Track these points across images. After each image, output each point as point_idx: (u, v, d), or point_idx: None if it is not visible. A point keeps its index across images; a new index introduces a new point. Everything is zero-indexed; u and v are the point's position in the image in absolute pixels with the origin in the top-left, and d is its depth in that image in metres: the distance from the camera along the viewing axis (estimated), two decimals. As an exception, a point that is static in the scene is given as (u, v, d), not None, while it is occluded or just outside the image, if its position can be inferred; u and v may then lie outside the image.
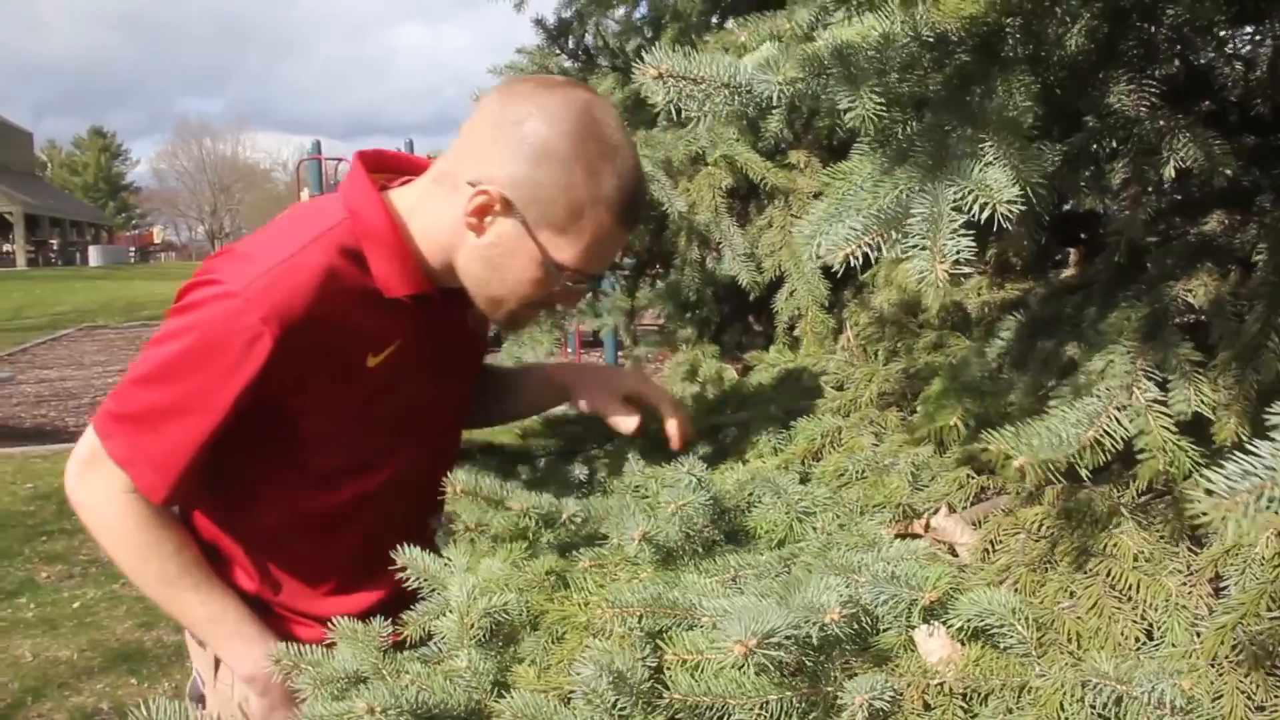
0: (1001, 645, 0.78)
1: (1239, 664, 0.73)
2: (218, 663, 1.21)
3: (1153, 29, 1.01)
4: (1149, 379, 0.84)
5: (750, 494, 1.10)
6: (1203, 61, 1.13)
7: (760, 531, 1.05)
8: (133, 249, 49.64)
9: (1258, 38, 1.16)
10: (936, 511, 1.03)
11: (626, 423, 1.25)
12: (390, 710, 0.77)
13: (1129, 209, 1.02)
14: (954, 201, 0.67)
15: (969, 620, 0.79)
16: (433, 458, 1.26)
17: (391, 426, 1.19)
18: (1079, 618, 0.82)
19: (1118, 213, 1.09)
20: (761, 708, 0.73)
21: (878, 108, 0.76)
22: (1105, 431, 0.78)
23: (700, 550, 0.99)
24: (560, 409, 1.47)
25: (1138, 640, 0.80)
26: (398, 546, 1.01)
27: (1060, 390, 0.94)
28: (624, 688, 0.74)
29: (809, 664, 0.74)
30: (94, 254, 40.14)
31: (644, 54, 0.77)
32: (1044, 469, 0.76)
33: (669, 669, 0.77)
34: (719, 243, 1.89)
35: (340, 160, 13.31)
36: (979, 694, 0.75)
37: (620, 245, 1.18)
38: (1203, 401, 0.83)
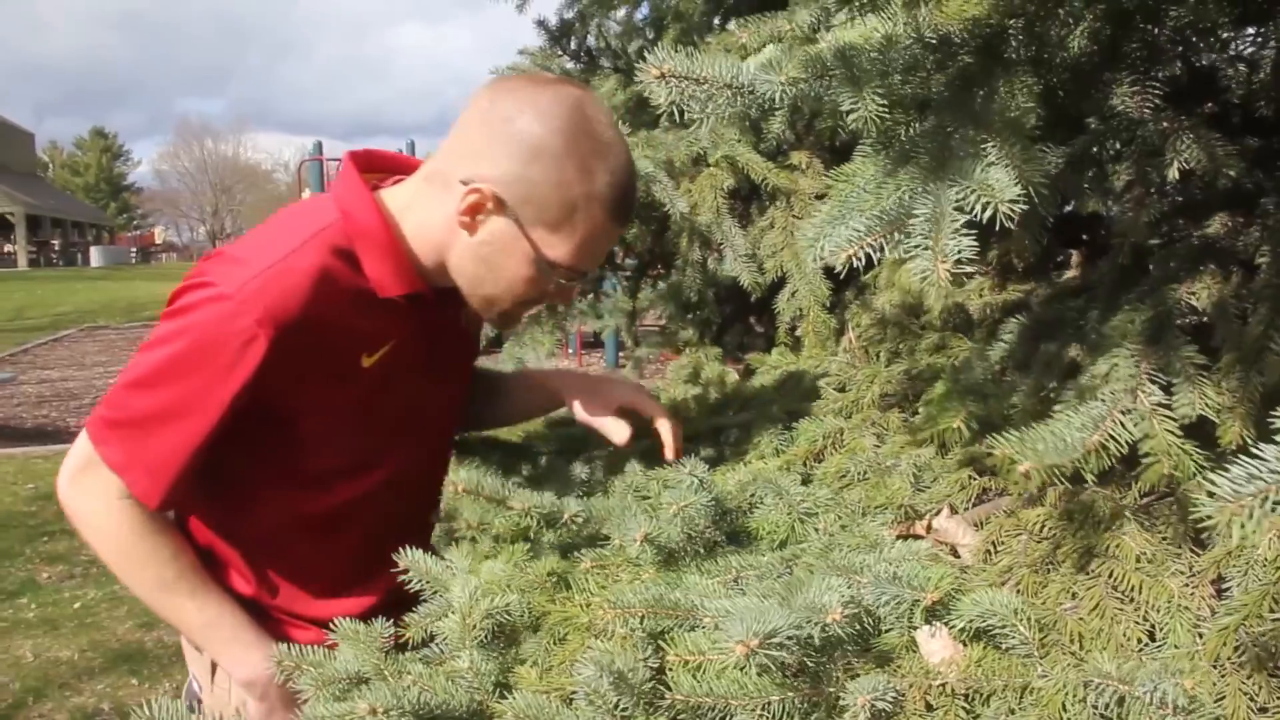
0: (1004, 646, 0.78)
1: (1241, 665, 0.73)
2: (214, 667, 1.20)
3: (1156, 31, 1.01)
4: (1153, 382, 0.84)
5: (752, 495, 1.10)
6: (1206, 63, 1.14)
7: (762, 532, 1.06)
8: (134, 249, 49.57)
9: (1261, 39, 1.16)
10: (938, 513, 1.03)
11: (618, 434, 1.24)
12: (392, 711, 0.77)
13: (1132, 211, 1.02)
14: (956, 201, 0.67)
15: (971, 621, 0.79)
16: (431, 457, 1.26)
17: (388, 427, 1.19)
18: (1081, 619, 0.82)
19: (1121, 215, 1.09)
20: (763, 708, 0.73)
21: (880, 109, 0.76)
22: (1110, 436, 0.78)
23: (702, 551, 0.99)
24: (561, 410, 1.47)
25: (1140, 641, 0.80)
26: (398, 548, 1.01)
27: (1064, 393, 0.94)
28: (626, 688, 0.74)
29: (811, 665, 0.74)
30: (95, 254, 40.11)
31: (646, 55, 0.77)
32: (1049, 474, 0.76)
33: (671, 670, 0.77)
34: (721, 244, 1.89)
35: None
36: (981, 695, 0.75)
37: (613, 242, 1.18)
38: (1207, 405, 0.83)
